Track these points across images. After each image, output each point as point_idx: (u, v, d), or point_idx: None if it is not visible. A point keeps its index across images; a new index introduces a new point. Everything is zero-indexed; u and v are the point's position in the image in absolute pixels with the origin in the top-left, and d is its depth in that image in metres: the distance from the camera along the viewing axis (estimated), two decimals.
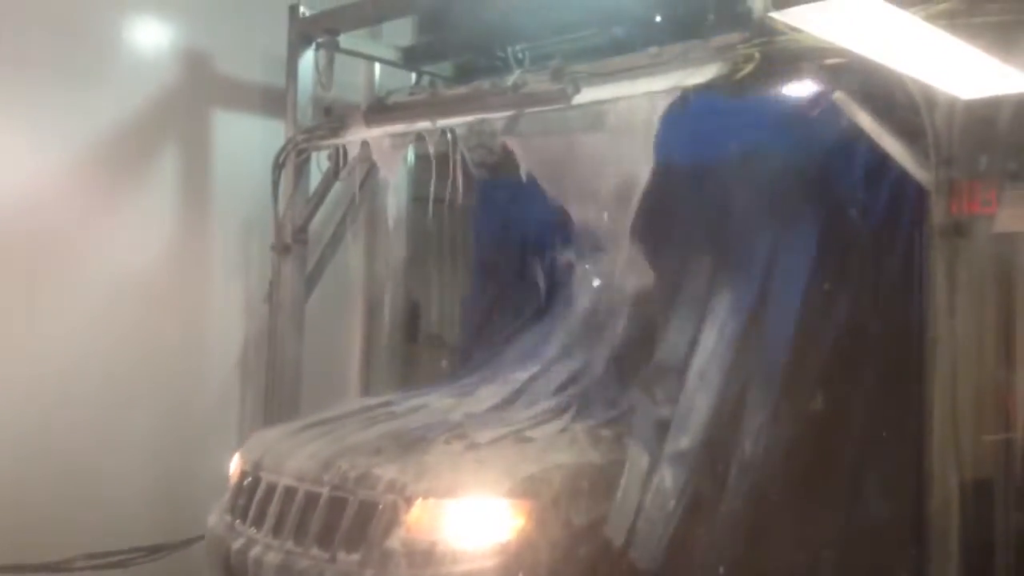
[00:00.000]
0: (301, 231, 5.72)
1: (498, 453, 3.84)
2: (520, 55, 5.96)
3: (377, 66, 6.22)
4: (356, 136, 5.11)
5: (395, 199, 6.03)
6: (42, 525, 4.94)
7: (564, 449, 3.96)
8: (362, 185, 5.74)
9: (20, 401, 5.01)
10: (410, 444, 3.96)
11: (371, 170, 5.69)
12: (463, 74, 6.07)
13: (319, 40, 5.58)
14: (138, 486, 5.42)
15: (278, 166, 5.62)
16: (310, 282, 5.86)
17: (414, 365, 6.42)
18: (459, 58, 6.05)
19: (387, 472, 3.74)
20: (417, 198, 6.30)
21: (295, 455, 4.07)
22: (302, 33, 5.68)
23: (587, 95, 4.10)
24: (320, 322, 5.96)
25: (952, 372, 3.42)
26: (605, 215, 4.32)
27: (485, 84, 4.49)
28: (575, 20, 5.28)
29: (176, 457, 5.56)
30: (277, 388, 5.69)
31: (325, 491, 3.80)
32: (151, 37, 5.69)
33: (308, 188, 5.79)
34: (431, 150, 4.58)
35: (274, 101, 5.96)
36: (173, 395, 5.66)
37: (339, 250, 6.04)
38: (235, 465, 4.45)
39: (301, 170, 5.69)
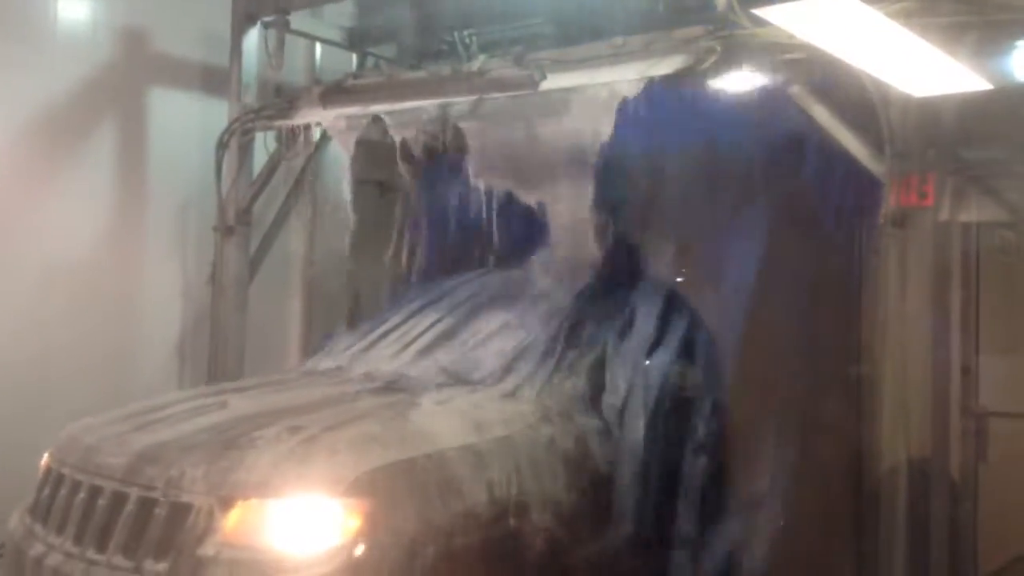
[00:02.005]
0: (245, 212, 5.65)
1: (336, 446, 3.36)
2: (467, 40, 6.00)
3: (318, 47, 6.17)
4: (308, 117, 5.07)
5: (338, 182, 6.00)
6: None
7: (419, 436, 3.52)
8: (306, 167, 5.70)
9: None
10: (234, 438, 3.45)
11: (316, 152, 5.66)
12: (408, 57, 6.07)
13: (266, 19, 5.50)
14: None
15: (222, 146, 5.53)
16: (253, 264, 5.80)
17: None
18: (404, 41, 6.05)
19: (203, 470, 3.27)
20: (359, 182, 6.29)
21: (104, 450, 3.54)
22: (246, 12, 5.59)
23: (551, 83, 4.17)
24: (262, 305, 5.89)
25: (903, 354, 3.62)
26: (552, 199, 4.38)
27: (445, 69, 4.50)
28: (522, 8, 5.35)
29: None
30: (219, 370, 5.61)
31: (133, 492, 3.31)
32: (86, 13, 5.52)
33: (252, 169, 5.71)
34: (391, 133, 4.57)
35: (214, 80, 5.85)
36: (108, 376, 5.51)
37: (282, 233, 5.97)
38: (45, 459, 3.88)
39: (246, 151, 5.61)
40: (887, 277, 3.75)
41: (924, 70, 3.56)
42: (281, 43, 5.43)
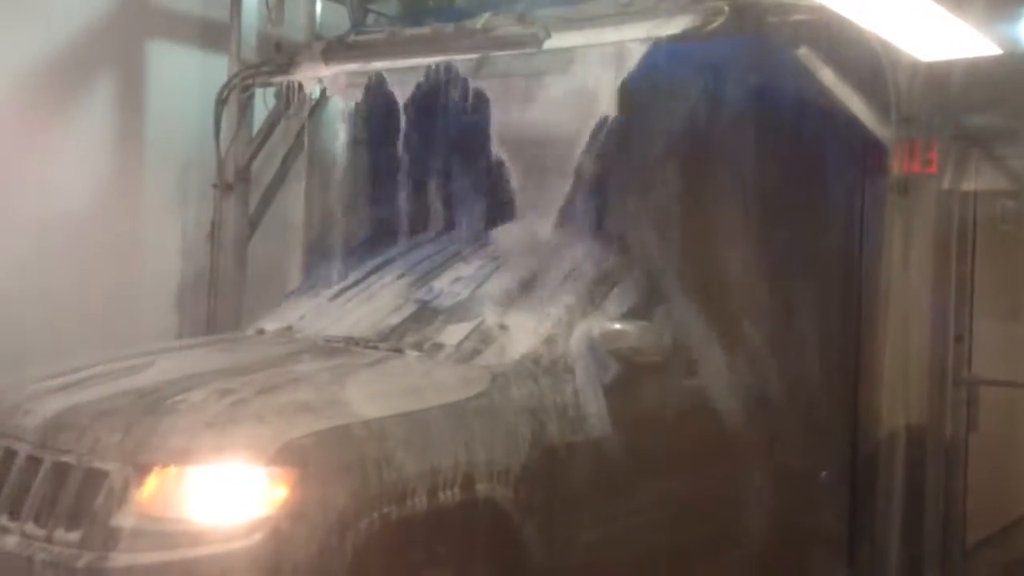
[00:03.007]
0: (244, 170, 5.61)
1: (264, 410, 3.15)
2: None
3: (319, 3, 6.09)
4: (308, 73, 5.02)
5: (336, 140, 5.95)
6: None
7: (357, 402, 3.30)
8: (305, 125, 5.64)
9: None
10: (156, 402, 3.24)
11: (315, 109, 5.61)
12: (410, 14, 6.00)
13: None
14: None
15: (221, 102, 5.48)
16: (252, 222, 5.77)
17: None
18: None
19: (119, 436, 3.08)
20: (355, 141, 6.23)
21: (22, 410, 3.36)
22: None
23: (556, 41, 4.12)
24: (261, 262, 5.87)
25: (904, 322, 3.61)
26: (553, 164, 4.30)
27: (448, 25, 4.45)
28: None
29: None
30: (217, 327, 5.60)
31: (47, 456, 3.13)
32: None
33: (251, 126, 5.67)
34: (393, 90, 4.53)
35: (214, 34, 5.78)
36: (107, 336, 5.48)
37: (282, 190, 5.93)
38: None
39: (245, 107, 5.56)
40: (890, 245, 3.73)
41: (932, 34, 3.53)
42: None
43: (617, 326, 3.84)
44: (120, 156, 5.61)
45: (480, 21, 4.29)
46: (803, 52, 3.87)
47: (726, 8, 3.85)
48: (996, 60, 3.69)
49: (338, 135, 5.29)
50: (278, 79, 5.25)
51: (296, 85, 5.12)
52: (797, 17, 3.76)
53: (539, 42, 4.08)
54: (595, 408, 3.73)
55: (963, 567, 4.34)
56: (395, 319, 4.17)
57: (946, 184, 4.04)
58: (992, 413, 4.17)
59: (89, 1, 5.43)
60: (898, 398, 3.64)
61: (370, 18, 6.02)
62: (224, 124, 5.52)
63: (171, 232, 5.82)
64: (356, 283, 4.68)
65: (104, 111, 5.56)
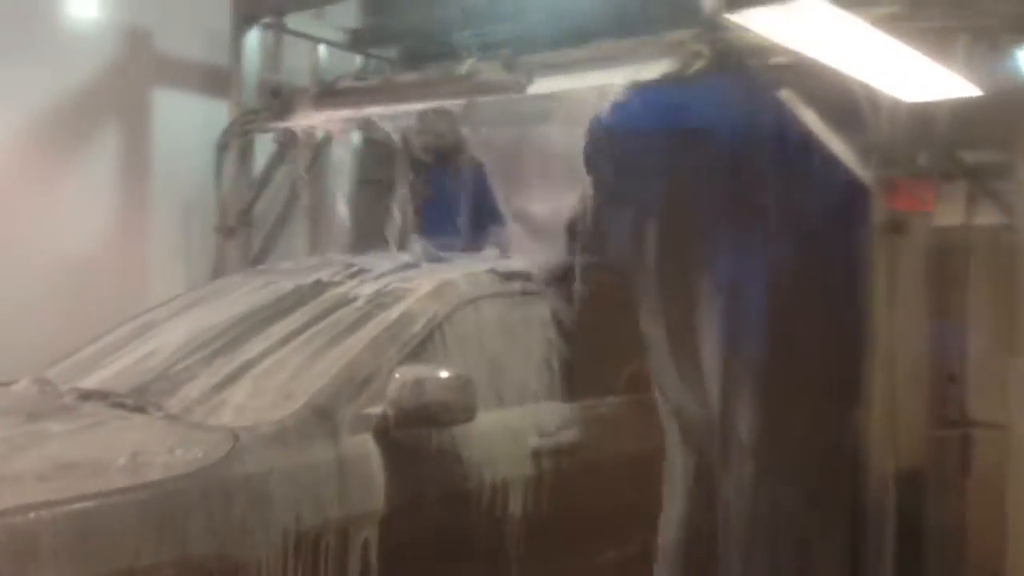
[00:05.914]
0: (245, 214, 5.69)
1: None
2: (469, 41, 5.97)
3: (322, 48, 6.16)
4: (302, 119, 5.09)
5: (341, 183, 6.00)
6: None
7: (19, 485, 2.48)
8: (308, 168, 5.70)
9: None
10: None
11: (318, 153, 5.66)
12: (411, 59, 6.05)
13: (265, 21, 5.51)
14: None
15: (222, 148, 5.56)
16: (255, 265, 5.81)
17: None
18: (406, 42, 6.04)
19: None
20: (363, 181, 6.28)
21: None
22: (245, 13, 5.62)
23: (539, 86, 4.15)
24: None
25: (891, 364, 3.56)
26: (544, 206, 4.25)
27: (435, 71, 4.49)
28: (525, 8, 5.30)
29: None
30: None
31: None
32: (88, 12, 5.56)
33: (252, 170, 5.74)
34: (386, 136, 4.57)
35: (216, 81, 5.88)
36: None
37: (284, 233, 5.98)
38: None
39: (245, 152, 5.63)
40: (877, 286, 3.68)
41: (913, 75, 3.50)
42: (279, 45, 5.44)
43: (418, 376, 3.10)
44: (125, 201, 5.71)
45: (465, 67, 4.31)
46: (785, 94, 3.85)
47: (706, 51, 3.84)
48: (980, 98, 3.64)
49: (336, 179, 5.37)
50: (275, 125, 5.31)
51: (292, 131, 5.19)
52: (777, 60, 3.73)
53: (522, 87, 4.11)
54: (388, 477, 3.07)
55: None
56: (164, 366, 3.51)
57: (939, 220, 3.98)
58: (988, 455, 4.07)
59: (96, 49, 5.56)
60: (887, 442, 3.58)
61: (372, 63, 6.10)
62: (225, 169, 5.61)
63: (175, 276, 5.88)
64: (170, 320, 4.16)
65: (109, 157, 5.67)
